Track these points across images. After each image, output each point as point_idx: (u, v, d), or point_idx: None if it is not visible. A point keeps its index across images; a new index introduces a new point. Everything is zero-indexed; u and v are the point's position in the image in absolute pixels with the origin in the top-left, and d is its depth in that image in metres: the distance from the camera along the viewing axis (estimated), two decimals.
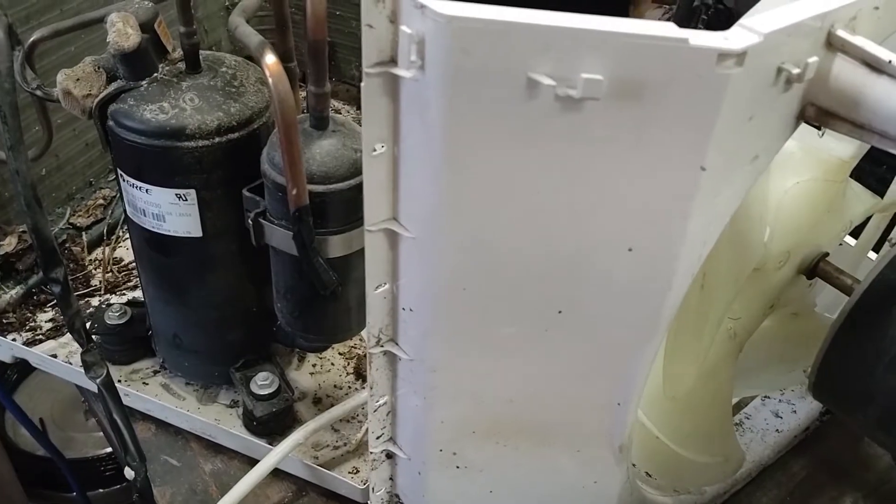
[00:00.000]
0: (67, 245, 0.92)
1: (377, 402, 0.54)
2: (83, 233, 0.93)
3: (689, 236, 0.42)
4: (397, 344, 0.51)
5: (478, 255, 0.44)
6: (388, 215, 0.46)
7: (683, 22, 1.18)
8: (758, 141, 0.41)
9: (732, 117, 0.37)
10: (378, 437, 0.57)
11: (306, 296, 0.64)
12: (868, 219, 0.77)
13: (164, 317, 0.74)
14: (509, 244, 0.43)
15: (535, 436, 0.53)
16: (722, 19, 1.12)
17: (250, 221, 0.61)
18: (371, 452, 0.58)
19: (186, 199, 0.62)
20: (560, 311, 0.46)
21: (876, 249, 0.83)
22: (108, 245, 0.93)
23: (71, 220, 0.94)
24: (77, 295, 0.88)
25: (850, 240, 0.81)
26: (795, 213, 0.59)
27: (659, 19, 1.30)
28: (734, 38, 0.35)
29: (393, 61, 0.39)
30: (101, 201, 0.98)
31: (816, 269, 0.63)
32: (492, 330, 0.47)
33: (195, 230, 0.64)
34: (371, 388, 0.53)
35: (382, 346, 0.51)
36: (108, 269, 0.91)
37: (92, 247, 0.94)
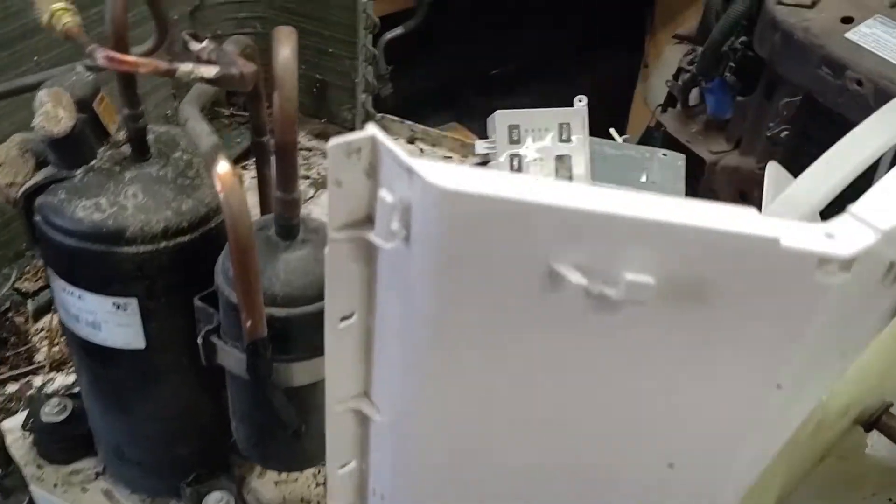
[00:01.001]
0: (10, 315, 0.82)
1: None
2: (29, 300, 0.83)
3: (745, 454, 0.32)
4: None
5: (467, 458, 0.34)
6: (357, 391, 0.36)
7: (710, 69, 1.07)
8: (850, 340, 0.31)
9: (826, 326, 0.28)
10: None
11: (265, 424, 0.54)
12: None
13: (105, 425, 0.63)
14: (510, 451, 0.33)
15: None
16: (752, 67, 1.02)
17: (200, 339, 0.51)
18: None
19: (126, 309, 0.52)
20: None
21: None
22: (55, 313, 0.83)
23: (16, 285, 0.84)
24: (18, 373, 0.78)
25: None
26: (862, 365, 0.49)
27: (682, 60, 1.18)
28: (842, 237, 0.25)
29: (368, 221, 0.29)
30: None
31: (878, 422, 0.53)
32: None
33: (136, 342, 0.54)
34: None
35: None
36: (55, 342, 0.81)
37: (39, 314, 0.83)
